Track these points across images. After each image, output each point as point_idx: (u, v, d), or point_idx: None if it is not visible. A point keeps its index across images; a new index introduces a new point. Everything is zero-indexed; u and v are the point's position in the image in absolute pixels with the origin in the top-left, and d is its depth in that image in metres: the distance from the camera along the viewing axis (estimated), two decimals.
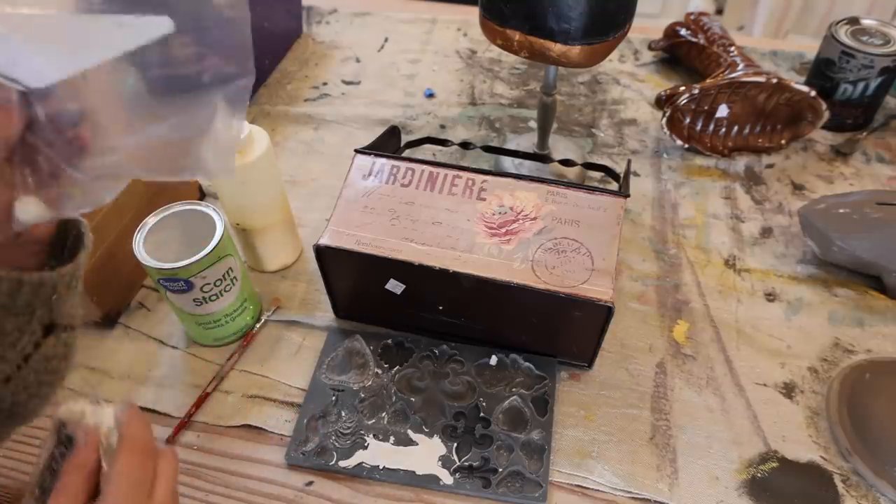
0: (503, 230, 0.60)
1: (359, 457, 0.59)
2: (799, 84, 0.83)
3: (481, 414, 0.62)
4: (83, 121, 0.35)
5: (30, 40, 0.31)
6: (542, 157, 0.82)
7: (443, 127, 0.94)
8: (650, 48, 1.04)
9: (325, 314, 0.70)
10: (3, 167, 0.34)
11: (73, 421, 0.39)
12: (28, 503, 0.40)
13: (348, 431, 0.61)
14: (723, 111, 0.86)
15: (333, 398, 0.63)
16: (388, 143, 0.78)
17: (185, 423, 0.62)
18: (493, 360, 0.65)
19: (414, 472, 0.58)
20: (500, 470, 0.58)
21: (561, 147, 0.87)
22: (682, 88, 0.84)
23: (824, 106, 0.83)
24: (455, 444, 0.60)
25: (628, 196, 0.63)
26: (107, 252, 0.67)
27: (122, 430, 0.38)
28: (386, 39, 1.11)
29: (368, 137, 0.83)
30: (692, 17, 1.00)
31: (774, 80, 0.82)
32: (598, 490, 0.57)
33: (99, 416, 0.39)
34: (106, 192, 0.37)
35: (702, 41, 0.96)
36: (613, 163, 0.88)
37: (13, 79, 0.31)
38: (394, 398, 0.63)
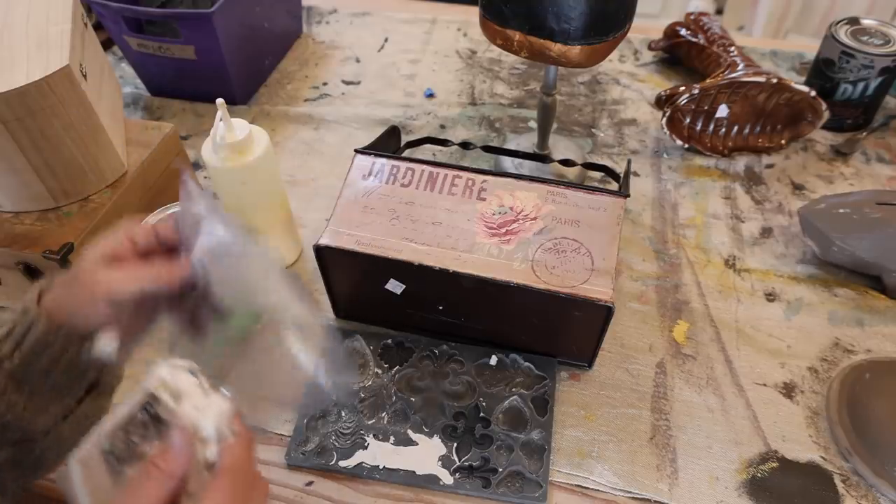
0: (503, 230, 0.60)
1: (359, 457, 0.59)
2: (799, 84, 0.83)
3: (481, 414, 0.62)
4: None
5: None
6: (542, 157, 0.82)
7: (443, 127, 0.94)
8: (650, 48, 1.04)
9: (325, 314, 0.70)
10: (138, 304, 0.41)
11: (167, 403, 0.35)
12: (90, 453, 0.36)
13: (348, 431, 0.61)
14: (723, 111, 0.86)
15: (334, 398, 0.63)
16: (388, 143, 0.78)
17: None
18: (493, 360, 0.65)
19: (414, 472, 0.58)
20: (500, 470, 0.58)
21: (561, 147, 0.87)
22: (682, 88, 0.84)
23: (824, 106, 0.83)
24: (455, 444, 0.60)
25: (628, 196, 0.63)
26: None
27: (225, 454, 0.34)
28: (386, 39, 1.11)
29: (368, 137, 0.83)
30: (692, 17, 1.00)
31: (774, 80, 0.82)
32: (598, 490, 0.57)
33: (198, 414, 0.34)
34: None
35: (702, 41, 0.96)
36: (613, 163, 0.88)
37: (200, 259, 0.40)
38: (394, 398, 0.63)
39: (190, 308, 0.42)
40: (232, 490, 0.32)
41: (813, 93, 0.83)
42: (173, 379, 0.35)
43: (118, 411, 0.37)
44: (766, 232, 0.79)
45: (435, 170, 0.64)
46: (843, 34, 0.86)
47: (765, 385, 0.64)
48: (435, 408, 0.62)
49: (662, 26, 1.04)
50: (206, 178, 0.85)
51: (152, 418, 0.36)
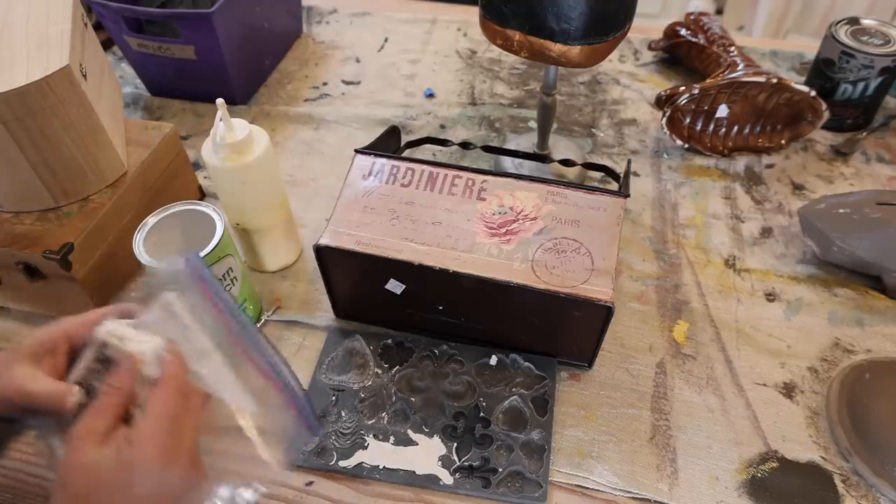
0: (503, 230, 0.60)
1: (359, 457, 0.59)
2: (799, 84, 0.83)
3: (481, 414, 0.62)
4: None
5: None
6: (542, 157, 0.82)
7: (443, 127, 0.94)
8: (650, 48, 1.04)
9: (325, 314, 0.70)
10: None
11: (114, 344, 0.41)
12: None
13: (348, 431, 0.61)
14: (723, 111, 0.86)
15: (333, 398, 0.63)
16: (388, 143, 0.78)
17: None
18: (493, 360, 0.65)
19: (414, 472, 0.58)
20: (500, 470, 0.58)
21: (561, 147, 0.87)
22: (682, 88, 0.84)
23: (824, 106, 0.83)
24: (455, 444, 0.60)
25: (628, 196, 0.63)
26: (107, 252, 0.67)
27: (163, 366, 0.41)
28: (386, 39, 1.11)
29: (368, 137, 0.83)
30: (692, 17, 1.00)
31: (774, 80, 0.82)
32: (598, 490, 0.57)
33: (140, 346, 0.41)
34: None
35: (702, 41, 0.96)
36: (613, 163, 0.88)
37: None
38: (394, 398, 0.63)
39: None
40: (174, 394, 0.39)
41: (813, 93, 0.83)
42: (118, 329, 0.42)
43: (78, 367, 0.42)
44: (766, 232, 0.79)
45: (435, 170, 0.64)
46: (843, 34, 0.86)
47: (765, 385, 0.64)
48: (435, 408, 0.62)
49: (662, 26, 1.04)
50: (206, 178, 0.86)
51: (104, 363, 0.42)
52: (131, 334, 0.42)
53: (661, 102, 0.87)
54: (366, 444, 0.60)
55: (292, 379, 0.45)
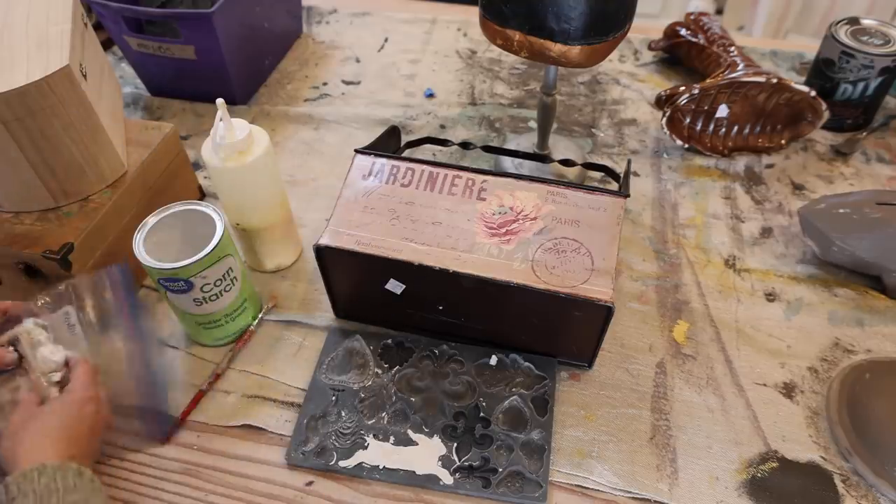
0: (503, 230, 0.60)
1: (359, 457, 0.59)
2: (799, 84, 0.83)
3: (481, 414, 0.62)
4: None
5: None
6: (542, 157, 0.82)
7: (443, 127, 0.94)
8: (650, 48, 1.04)
9: (325, 314, 0.70)
10: None
11: (25, 347, 0.52)
12: None
13: (348, 431, 0.61)
14: (723, 111, 0.86)
15: (333, 398, 0.63)
16: (388, 143, 0.78)
17: (181, 422, 0.62)
18: (493, 360, 0.65)
19: (414, 472, 0.58)
20: (500, 470, 0.58)
21: (561, 147, 0.87)
22: (682, 88, 0.84)
23: (824, 106, 0.83)
24: (455, 444, 0.60)
25: (628, 196, 0.63)
26: (107, 252, 0.67)
27: (76, 362, 0.53)
28: (386, 39, 1.11)
29: (368, 137, 0.83)
30: (692, 17, 1.00)
31: (774, 80, 0.82)
32: (598, 490, 0.57)
33: (50, 353, 0.53)
34: None
35: (702, 41, 0.96)
36: (613, 163, 0.88)
37: None
38: (394, 398, 0.63)
39: None
40: (92, 375, 0.53)
41: (813, 93, 0.83)
42: (35, 332, 0.53)
43: None
44: (766, 232, 0.79)
45: (435, 170, 0.64)
46: (843, 34, 0.86)
47: (765, 385, 0.64)
48: (435, 408, 0.62)
49: (662, 26, 1.04)
50: (205, 178, 0.86)
51: (16, 351, 0.53)
52: (42, 338, 0.53)
53: (661, 102, 0.87)
54: (366, 444, 0.60)
55: (161, 392, 0.59)
